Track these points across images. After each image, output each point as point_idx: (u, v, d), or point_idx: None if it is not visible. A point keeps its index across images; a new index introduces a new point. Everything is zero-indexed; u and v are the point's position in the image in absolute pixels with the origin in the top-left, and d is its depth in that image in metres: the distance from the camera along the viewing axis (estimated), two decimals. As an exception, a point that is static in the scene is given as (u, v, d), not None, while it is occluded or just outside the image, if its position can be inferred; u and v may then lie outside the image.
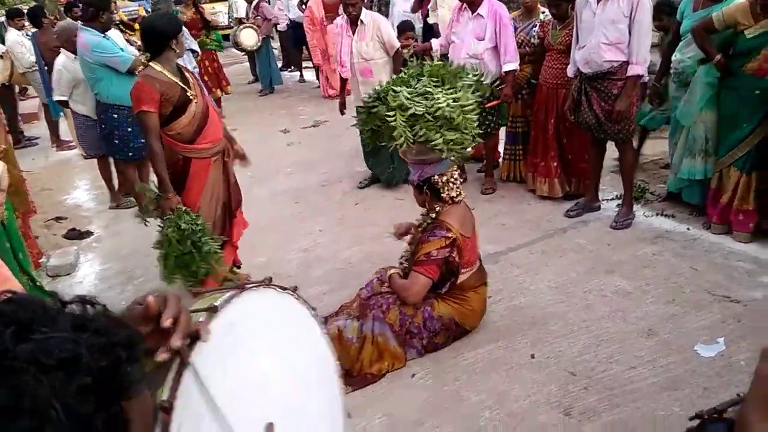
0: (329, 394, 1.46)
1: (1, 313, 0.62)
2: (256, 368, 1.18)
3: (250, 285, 1.20)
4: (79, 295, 0.70)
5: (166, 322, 0.86)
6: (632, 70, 4.05)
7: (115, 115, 5.12)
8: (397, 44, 5.27)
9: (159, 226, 3.52)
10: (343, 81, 5.74)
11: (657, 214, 4.47)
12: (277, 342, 1.27)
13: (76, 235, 5.36)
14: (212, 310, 1.02)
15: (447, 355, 3.20)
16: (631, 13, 3.97)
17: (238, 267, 4.10)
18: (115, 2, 10.81)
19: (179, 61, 3.64)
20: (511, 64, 4.79)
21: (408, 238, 3.43)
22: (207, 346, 0.93)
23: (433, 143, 3.01)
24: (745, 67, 3.75)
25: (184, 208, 3.42)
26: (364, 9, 5.29)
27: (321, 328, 1.42)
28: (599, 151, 4.52)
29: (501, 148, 5.53)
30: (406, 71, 3.32)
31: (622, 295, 3.55)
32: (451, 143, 3.00)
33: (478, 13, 4.82)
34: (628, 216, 4.39)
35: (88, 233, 5.40)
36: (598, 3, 4.04)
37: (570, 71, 4.39)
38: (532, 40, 4.92)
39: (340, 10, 9.21)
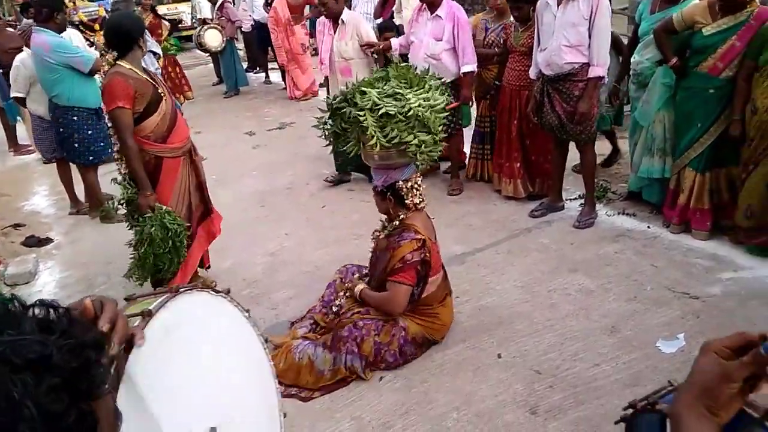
0: (265, 395, 1.47)
1: None
2: (192, 372, 1.17)
3: (184, 288, 1.19)
4: (41, 300, 0.72)
5: (104, 327, 0.86)
6: (593, 72, 4.12)
7: (75, 118, 5.01)
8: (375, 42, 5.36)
9: (136, 226, 3.45)
10: (326, 79, 5.86)
11: (618, 213, 4.57)
12: (212, 346, 1.27)
13: (35, 242, 5.22)
14: (147, 315, 1.01)
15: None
16: (590, 16, 4.04)
17: (207, 268, 4.07)
18: (74, 3, 10.56)
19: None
20: (469, 66, 4.85)
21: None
22: (143, 350, 0.93)
23: (406, 145, 2.95)
24: (700, 65, 3.85)
25: (165, 207, 3.41)
26: (345, 9, 5.40)
27: (255, 330, 1.43)
28: (562, 152, 4.59)
29: (467, 149, 5.57)
30: (372, 74, 3.31)
31: (585, 294, 3.61)
32: (423, 146, 2.97)
33: (436, 14, 4.88)
34: (590, 215, 4.47)
35: (48, 240, 5.26)
36: (558, 6, 4.10)
37: (532, 73, 4.45)
38: (501, 41, 4.97)
39: (306, 10, 9.26)
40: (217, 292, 1.35)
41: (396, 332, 3.08)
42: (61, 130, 5.11)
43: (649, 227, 4.31)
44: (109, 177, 3.86)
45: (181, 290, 1.19)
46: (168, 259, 3.42)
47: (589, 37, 4.06)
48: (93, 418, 0.67)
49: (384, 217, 3.28)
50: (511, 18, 4.79)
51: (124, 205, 3.52)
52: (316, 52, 10.98)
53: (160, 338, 1.01)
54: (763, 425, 0.81)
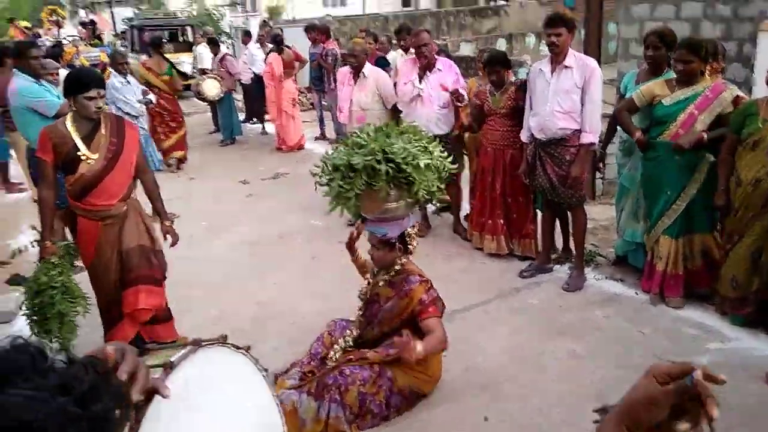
0: None
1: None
2: (207, 427, 1.16)
3: (206, 342, 1.20)
4: (68, 353, 0.71)
5: (124, 375, 0.85)
6: (585, 138, 4.24)
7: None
8: (395, 99, 5.63)
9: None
10: (340, 126, 6.19)
11: (607, 278, 4.60)
12: (229, 403, 1.26)
13: (19, 281, 5.14)
14: (169, 367, 1.01)
15: (401, 416, 3.14)
16: (583, 84, 4.19)
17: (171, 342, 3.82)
18: (77, 48, 10.79)
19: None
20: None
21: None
22: (161, 402, 0.92)
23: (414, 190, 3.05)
24: (662, 134, 3.98)
25: (54, 260, 3.41)
26: (367, 63, 5.76)
27: (272, 390, 1.42)
28: (552, 214, 4.66)
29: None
30: (376, 131, 3.27)
31: (573, 358, 3.60)
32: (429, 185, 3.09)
33: (437, 69, 5.22)
34: (579, 278, 4.50)
35: (33, 280, 5.18)
36: (552, 73, 4.25)
37: (524, 136, 4.56)
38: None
39: (296, 66, 9.51)
40: (238, 348, 1.35)
41: (383, 383, 3.04)
42: (31, 170, 5.11)
43: (636, 293, 4.33)
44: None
45: (202, 344, 1.20)
46: (50, 317, 3.33)
47: (582, 104, 4.20)
48: None
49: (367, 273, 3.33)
50: (488, 84, 4.94)
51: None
52: (311, 107, 11.35)
53: (179, 392, 1.01)
54: None
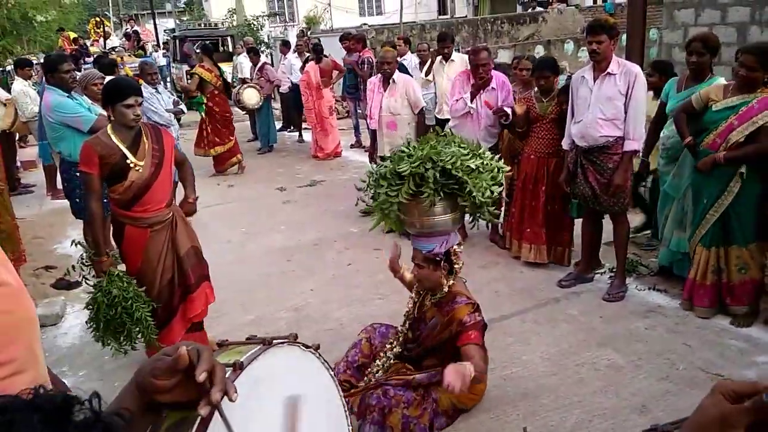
0: None
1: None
2: (275, 427, 1.15)
3: (277, 341, 1.19)
4: (96, 409, 0.68)
5: (201, 376, 0.85)
6: (628, 146, 4.15)
7: (78, 174, 5.10)
8: (423, 104, 5.88)
9: (91, 286, 3.43)
10: (373, 132, 6.20)
11: (649, 288, 4.48)
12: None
13: (64, 285, 5.28)
14: (239, 367, 1.01)
15: (437, 424, 3.11)
16: (627, 91, 4.10)
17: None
18: (122, 58, 11.10)
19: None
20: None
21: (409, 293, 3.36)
22: (228, 405, 0.92)
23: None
24: (704, 142, 3.85)
25: (117, 272, 3.37)
26: (397, 70, 5.92)
27: (339, 391, 1.41)
28: (594, 223, 4.57)
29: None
30: (423, 141, 3.18)
31: (614, 370, 3.51)
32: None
33: (492, 87, 5.20)
34: (620, 289, 4.40)
35: (77, 284, 5.31)
36: (595, 81, 4.18)
37: (565, 144, 4.49)
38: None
39: (334, 75, 9.61)
40: (307, 347, 1.35)
41: (427, 406, 2.96)
42: (66, 184, 5.24)
43: (680, 304, 4.21)
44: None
45: (274, 343, 1.20)
46: (124, 326, 3.31)
47: (625, 111, 4.11)
48: None
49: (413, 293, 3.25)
50: (535, 89, 4.90)
51: (85, 267, 3.48)
52: (347, 115, 11.44)
53: (248, 391, 1.00)
54: None
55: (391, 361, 3.18)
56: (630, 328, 3.97)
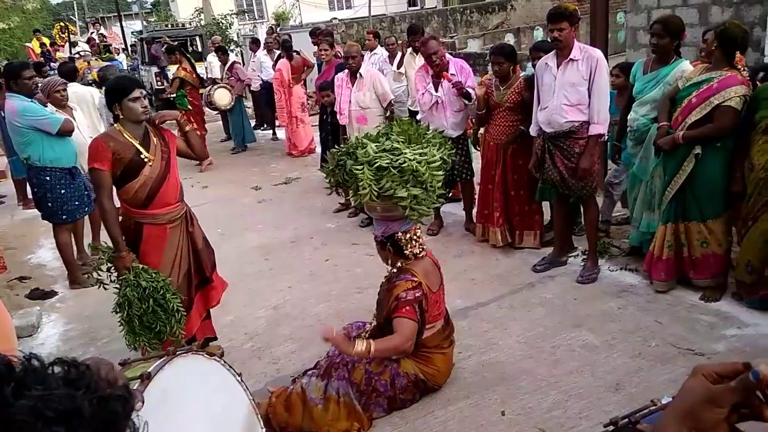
0: None
1: (2, 372, 0.67)
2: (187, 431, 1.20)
3: (180, 351, 1.24)
4: (60, 357, 0.73)
5: None
6: (594, 130, 4.23)
7: (48, 178, 5.03)
8: (391, 96, 5.95)
9: (115, 288, 3.39)
10: (343, 128, 6.15)
11: (621, 269, 4.57)
12: (206, 408, 1.30)
13: (39, 295, 5.23)
14: (146, 378, 1.05)
15: (417, 413, 3.16)
16: (590, 76, 4.17)
17: (214, 339, 3.91)
18: (89, 63, 10.94)
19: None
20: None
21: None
22: (142, 412, 0.95)
23: (397, 198, 3.01)
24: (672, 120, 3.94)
25: (141, 266, 3.33)
26: (363, 64, 6.02)
27: (247, 393, 1.46)
28: (564, 208, 4.64)
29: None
30: (376, 131, 3.40)
31: (589, 350, 3.59)
32: (415, 200, 3.03)
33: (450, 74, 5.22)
34: (593, 270, 4.48)
35: (52, 293, 5.28)
36: (558, 67, 4.24)
37: (533, 131, 4.55)
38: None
39: (305, 71, 9.61)
40: (211, 355, 1.40)
41: (388, 364, 3.12)
42: (35, 190, 5.18)
43: (651, 282, 4.30)
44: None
45: (177, 353, 1.23)
46: (158, 318, 3.27)
47: (589, 96, 4.18)
48: None
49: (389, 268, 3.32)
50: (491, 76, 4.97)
51: (107, 269, 3.43)
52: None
53: (157, 401, 1.03)
54: None
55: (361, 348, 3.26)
56: (603, 308, 4.05)
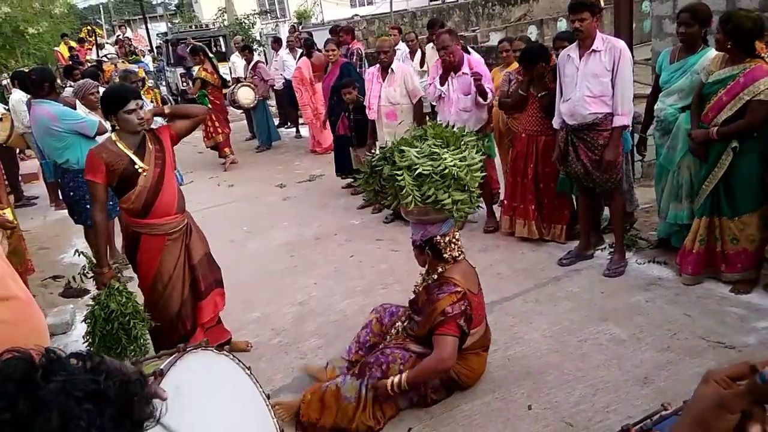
0: None
1: (28, 361, 0.74)
2: (202, 425, 1.24)
3: (190, 348, 1.28)
4: (74, 352, 0.79)
5: None
6: (617, 121, 4.18)
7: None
8: (421, 92, 5.90)
9: (90, 299, 3.39)
10: (372, 123, 6.14)
11: (649, 262, 4.51)
12: (219, 402, 1.35)
13: (72, 293, 5.35)
14: (159, 375, 1.09)
15: (443, 407, 3.17)
16: (613, 67, 4.12)
17: (227, 342, 3.88)
18: (116, 65, 11.13)
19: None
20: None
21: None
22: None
23: (442, 203, 2.97)
24: (702, 114, 3.87)
25: (117, 285, 3.29)
26: (395, 59, 6.04)
27: (256, 384, 1.50)
28: (588, 201, 4.60)
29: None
30: (410, 133, 3.30)
31: (616, 343, 3.55)
32: (459, 203, 3.00)
33: (462, 72, 5.17)
34: (620, 263, 4.43)
35: (85, 291, 5.39)
36: (580, 58, 4.20)
37: (555, 123, 4.52)
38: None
39: (327, 69, 9.65)
40: (220, 350, 1.45)
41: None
42: (71, 193, 5.27)
43: (680, 275, 4.24)
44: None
45: (188, 350, 1.28)
46: (118, 342, 3.18)
47: (612, 87, 4.13)
48: None
49: (424, 269, 3.29)
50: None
51: (89, 276, 3.43)
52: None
53: (172, 396, 1.07)
54: None
55: (398, 333, 3.30)
56: (631, 301, 4.00)
